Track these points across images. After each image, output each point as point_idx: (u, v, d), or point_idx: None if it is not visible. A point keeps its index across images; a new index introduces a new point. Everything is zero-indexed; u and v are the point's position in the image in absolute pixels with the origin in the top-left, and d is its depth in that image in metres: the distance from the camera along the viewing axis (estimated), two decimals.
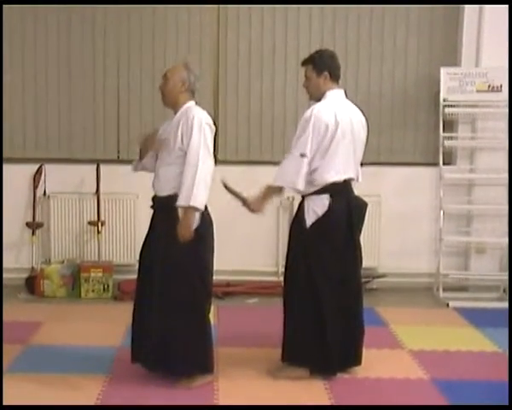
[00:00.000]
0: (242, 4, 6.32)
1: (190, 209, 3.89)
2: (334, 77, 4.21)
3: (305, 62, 4.25)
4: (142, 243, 4.22)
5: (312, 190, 4.12)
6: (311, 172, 4.10)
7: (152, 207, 4.17)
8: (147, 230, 4.19)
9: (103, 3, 6.26)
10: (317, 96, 4.22)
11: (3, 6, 6.06)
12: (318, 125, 4.03)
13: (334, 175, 4.09)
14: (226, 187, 4.19)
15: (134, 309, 4.17)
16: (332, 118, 4.05)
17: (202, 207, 3.92)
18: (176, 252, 3.94)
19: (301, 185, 4.07)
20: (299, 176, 4.05)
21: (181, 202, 3.88)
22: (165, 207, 4.01)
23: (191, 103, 4.08)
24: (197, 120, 3.93)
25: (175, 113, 4.07)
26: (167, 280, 3.98)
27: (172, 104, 4.08)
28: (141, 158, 4.22)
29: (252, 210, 4.21)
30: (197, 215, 3.94)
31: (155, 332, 4.02)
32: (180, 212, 3.92)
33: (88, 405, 3.81)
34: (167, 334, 4.00)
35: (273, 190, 4.21)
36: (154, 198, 4.14)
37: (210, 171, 3.93)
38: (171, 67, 4.14)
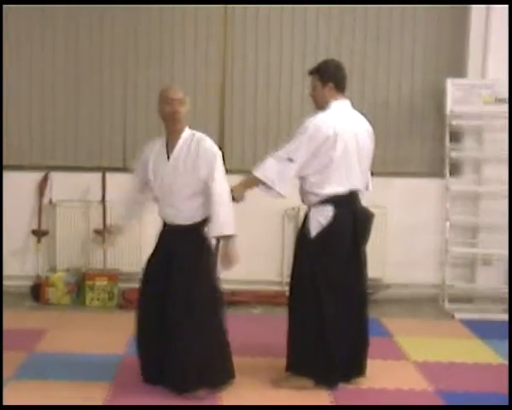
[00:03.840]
0: (249, 4, 6.33)
1: (230, 237, 4.00)
2: (340, 87, 4.22)
3: (311, 72, 4.27)
4: (147, 262, 4.23)
5: (317, 200, 4.13)
6: (312, 185, 4.12)
7: (166, 233, 4.17)
8: (152, 249, 4.23)
9: (111, 3, 6.29)
10: (322, 106, 4.22)
11: (6, 6, 6.08)
12: (316, 136, 4.04)
13: (336, 187, 4.09)
14: None
15: (142, 330, 4.17)
16: (331, 129, 4.04)
17: (236, 233, 4.01)
18: (202, 273, 4.03)
19: (281, 189, 4.10)
20: (281, 179, 4.08)
21: (216, 231, 3.97)
22: (191, 234, 4.05)
23: (190, 130, 4.11)
24: (215, 151, 4.02)
25: (174, 135, 4.05)
26: (195, 301, 4.01)
27: (180, 128, 4.06)
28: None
29: (232, 199, 4.15)
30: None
31: (179, 356, 4.02)
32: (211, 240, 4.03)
33: (89, 405, 3.80)
34: (190, 354, 4.01)
35: (254, 181, 4.18)
36: (170, 226, 4.13)
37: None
38: (179, 91, 4.09)
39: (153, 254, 4.22)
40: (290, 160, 4.05)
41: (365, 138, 4.24)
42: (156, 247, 4.22)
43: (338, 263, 4.12)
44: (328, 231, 4.10)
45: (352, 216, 4.12)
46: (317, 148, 4.04)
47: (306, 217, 4.21)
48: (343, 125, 4.09)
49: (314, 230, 4.13)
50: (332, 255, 4.12)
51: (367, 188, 4.38)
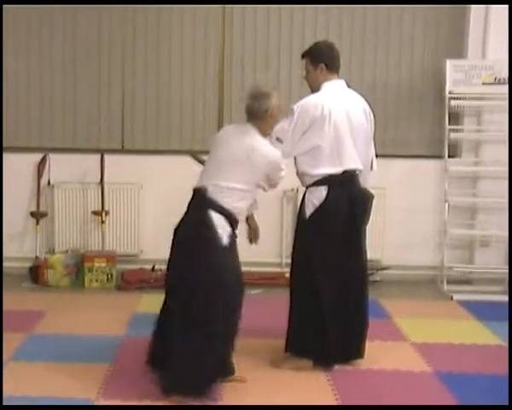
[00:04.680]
0: (247, 4, 6.31)
1: None
2: (332, 68, 4.20)
3: (303, 55, 4.27)
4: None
5: (311, 181, 4.13)
6: (304, 166, 4.12)
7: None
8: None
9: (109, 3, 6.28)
10: (315, 89, 4.21)
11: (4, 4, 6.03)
12: (303, 117, 4.04)
13: (328, 167, 4.08)
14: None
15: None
16: (319, 110, 4.03)
17: None
18: None
19: None
20: None
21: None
22: None
23: None
24: None
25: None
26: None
27: None
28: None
29: None
30: None
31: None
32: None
33: (88, 405, 3.76)
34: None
35: None
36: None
37: None
38: None
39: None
40: (278, 140, 4.05)
41: (360, 117, 4.20)
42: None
43: (331, 243, 4.11)
44: (321, 212, 4.10)
45: (347, 196, 4.10)
46: (305, 129, 4.04)
47: (303, 198, 4.22)
48: (332, 106, 4.06)
49: (309, 211, 4.14)
50: (325, 235, 4.11)
51: (371, 168, 4.37)
